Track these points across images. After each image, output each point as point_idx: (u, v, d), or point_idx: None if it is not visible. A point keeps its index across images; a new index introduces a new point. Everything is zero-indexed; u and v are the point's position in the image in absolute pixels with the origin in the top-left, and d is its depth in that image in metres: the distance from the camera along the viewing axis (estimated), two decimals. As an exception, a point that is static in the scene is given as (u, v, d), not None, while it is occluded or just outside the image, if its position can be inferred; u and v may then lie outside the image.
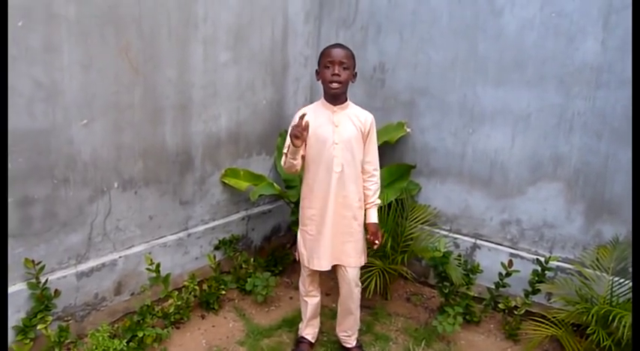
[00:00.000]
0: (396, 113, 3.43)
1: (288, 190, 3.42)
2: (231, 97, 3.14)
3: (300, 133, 2.16)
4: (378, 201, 2.49)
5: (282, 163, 2.37)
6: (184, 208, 3.02)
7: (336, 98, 2.34)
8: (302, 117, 2.17)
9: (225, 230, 3.30)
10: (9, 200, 2.18)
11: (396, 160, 3.44)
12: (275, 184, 3.23)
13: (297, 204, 3.35)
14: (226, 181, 3.21)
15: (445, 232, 3.34)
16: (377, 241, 2.47)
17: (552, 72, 2.84)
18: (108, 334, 2.41)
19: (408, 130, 3.38)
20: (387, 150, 3.30)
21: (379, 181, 2.50)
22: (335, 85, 2.26)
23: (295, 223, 3.34)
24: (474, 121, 3.14)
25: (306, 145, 2.33)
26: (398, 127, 3.37)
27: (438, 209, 3.38)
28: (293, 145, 2.21)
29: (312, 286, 2.60)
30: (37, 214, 2.32)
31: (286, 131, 3.53)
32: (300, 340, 2.70)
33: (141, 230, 2.80)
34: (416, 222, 3.28)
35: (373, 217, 2.48)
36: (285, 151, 2.32)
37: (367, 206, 2.47)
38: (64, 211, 2.42)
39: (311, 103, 3.76)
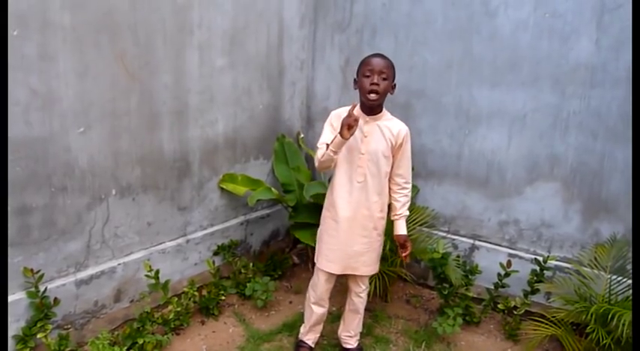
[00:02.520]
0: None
1: (286, 195, 3.42)
2: (227, 102, 3.14)
3: (354, 123, 2.07)
4: (407, 212, 2.44)
5: (320, 156, 2.24)
6: (182, 214, 3.02)
7: (371, 109, 2.30)
8: (353, 106, 2.08)
9: (224, 235, 3.29)
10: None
11: (394, 162, 3.44)
12: (273, 188, 3.23)
13: (294, 208, 3.37)
14: (224, 187, 3.21)
15: (443, 234, 3.35)
16: (406, 252, 2.44)
17: (547, 72, 2.86)
18: (108, 341, 2.40)
19: (405, 132, 3.38)
20: (384, 152, 3.30)
21: (410, 194, 2.44)
22: (373, 95, 2.21)
23: (294, 227, 3.36)
24: (470, 122, 3.15)
25: None
26: (394, 129, 3.38)
27: (435, 211, 3.38)
28: (342, 136, 2.11)
29: (326, 294, 2.52)
30: (36, 223, 2.32)
31: (284, 136, 3.59)
32: (300, 344, 2.69)
33: (139, 237, 2.80)
34: (414, 224, 3.28)
35: (402, 229, 2.43)
36: (328, 142, 2.21)
37: (395, 217, 2.42)
38: (62, 219, 2.42)
39: (307, 107, 3.83)
